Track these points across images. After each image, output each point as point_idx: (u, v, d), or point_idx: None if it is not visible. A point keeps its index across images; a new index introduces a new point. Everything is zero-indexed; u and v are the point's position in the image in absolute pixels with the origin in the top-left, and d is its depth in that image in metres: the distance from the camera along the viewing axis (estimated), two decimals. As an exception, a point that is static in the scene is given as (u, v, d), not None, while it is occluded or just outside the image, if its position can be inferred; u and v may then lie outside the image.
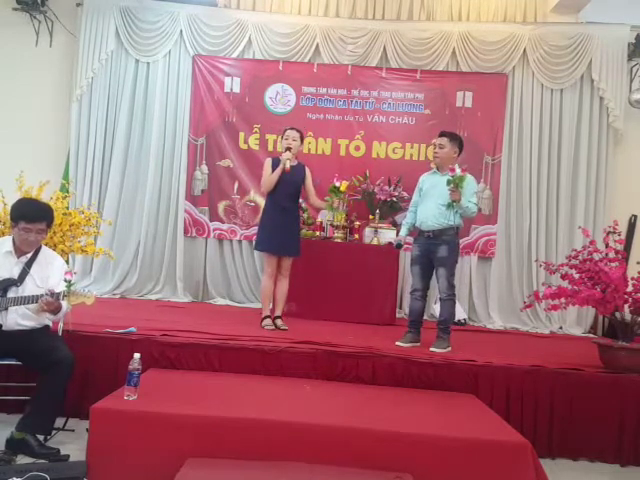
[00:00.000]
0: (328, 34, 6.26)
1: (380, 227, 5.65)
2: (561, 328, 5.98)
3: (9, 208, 3.42)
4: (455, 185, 3.99)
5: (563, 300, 3.86)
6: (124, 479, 2.75)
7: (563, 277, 3.99)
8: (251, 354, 3.77)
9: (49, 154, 6.21)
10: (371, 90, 6.28)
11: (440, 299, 4.24)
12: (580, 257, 3.94)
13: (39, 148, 6.21)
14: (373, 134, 6.27)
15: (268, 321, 4.55)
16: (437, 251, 4.17)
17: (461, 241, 4.94)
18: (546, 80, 6.17)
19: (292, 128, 4.65)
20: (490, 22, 6.28)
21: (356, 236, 5.70)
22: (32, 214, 3.21)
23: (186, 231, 6.29)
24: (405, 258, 5.84)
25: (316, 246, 5.45)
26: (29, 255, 3.25)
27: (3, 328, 3.12)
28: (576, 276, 3.89)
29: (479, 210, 5.13)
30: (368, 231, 5.67)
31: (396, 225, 5.72)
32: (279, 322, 4.56)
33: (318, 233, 5.70)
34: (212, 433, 2.80)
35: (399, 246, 4.60)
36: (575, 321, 6.06)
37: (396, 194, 5.87)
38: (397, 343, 4.25)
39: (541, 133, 6.18)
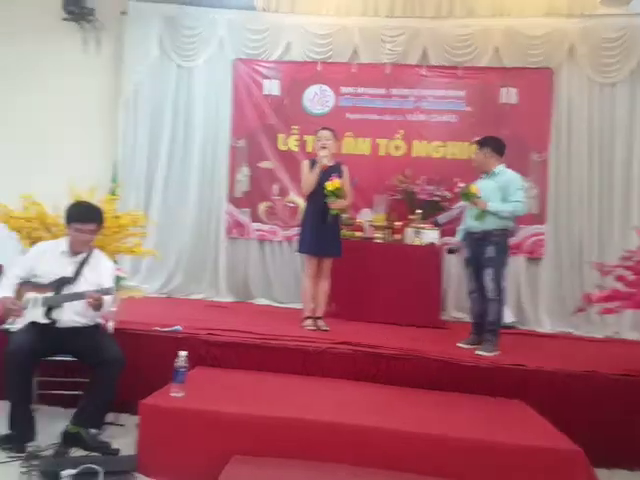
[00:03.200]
0: (366, 34, 6.25)
1: (422, 227, 5.60)
2: (617, 332, 5.67)
3: (62, 212, 3.56)
4: (467, 198, 4.05)
5: (617, 303, 3.74)
6: (172, 473, 2.83)
7: (617, 279, 3.84)
8: (293, 354, 3.81)
9: (98, 159, 6.38)
10: (411, 88, 6.23)
11: (487, 299, 4.18)
12: (635, 258, 3.81)
13: (88, 153, 6.39)
14: (413, 133, 6.22)
15: (309, 321, 4.59)
16: (484, 252, 4.14)
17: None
18: (595, 74, 5.98)
19: (324, 128, 4.68)
20: (534, 16, 6.13)
21: (397, 236, 5.67)
22: (83, 216, 3.38)
23: (228, 232, 6.39)
24: (450, 259, 5.78)
25: (356, 246, 5.43)
26: (82, 256, 3.39)
27: (58, 325, 3.25)
28: (631, 278, 3.74)
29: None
30: (409, 231, 5.62)
31: (438, 225, 5.68)
32: (320, 323, 4.59)
33: (358, 233, 5.70)
34: (256, 431, 2.85)
35: (452, 251, 4.57)
36: (632, 325, 5.72)
37: (438, 194, 5.80)
38: (458, 344, 4.23)
39: (591, 128, 5.99)
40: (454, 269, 5.95)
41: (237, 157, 6.40)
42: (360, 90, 6.29)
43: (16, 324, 3.23)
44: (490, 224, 4.12)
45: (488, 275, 4.12)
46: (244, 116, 6.38)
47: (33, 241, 4.06)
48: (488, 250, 4.13)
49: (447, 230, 5.53)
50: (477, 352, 4.02)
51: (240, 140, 6.40)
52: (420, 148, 6.21)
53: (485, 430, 2.96)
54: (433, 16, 6.25)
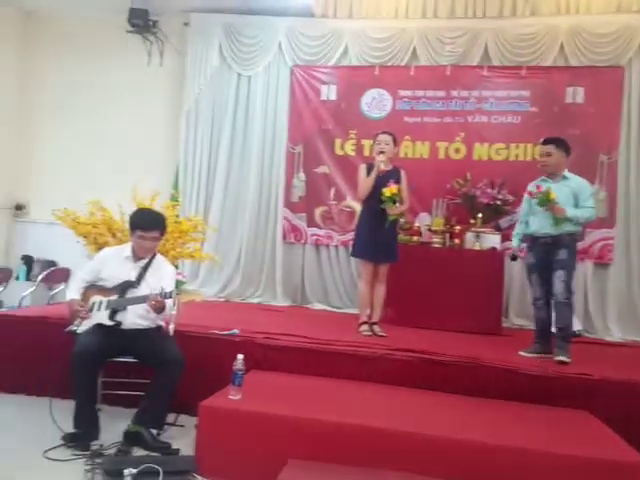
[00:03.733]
0: (426, 36, 6.19)
1: (482, 232, 5.46)
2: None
3: (127, 217, 3.68)
4: (544, 204, 3.92)
5: None
6: (230, 474, 2.85)
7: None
8: (349, 359, 3.79)
9: (160, 166, 6.60)
10: (471, 90, 6.11)
11: (556, 303, 4.02)
12: None
13: (151, 161, 6.61)
14: (474, 135, 6.09)
15: (365, 327, 4.55)
16: (557, 254, 4.00)
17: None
18: (670, 71, 5.69)
19: (384, 132, 4.64)
20: (602, 13, 5.89)
21: (456, 241, 5.54)
22: (146, 223, 3.47)
23: (284, 237, 6.45)
24: (512, 264, 5.60)
25: (413, 251, 5.35)
26: (145, 261, 3.50)
27: (122, 327, 3.36)
28: None
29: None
30: (469, 236, 5.49)
31: (499, 229, 5.53)
32: (377, 328, 4.55)
33: (415, 238, 5.62)
34: (312, 436, 2.85)
35: (515, 258, 4.44)
36: None
37: (500, 197, 5.63)
38: (520, 353, 4.11)
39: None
40: (516, 274, 5.78)
41: (294, 162, 6.46)
42: (419, 93, 6.21)
43: (82, 326, 3.35)
44: (562, 229, 4.00)
45: (559, 277, 3.97)
46: (301, 122, 6.43)
47: (99, 246, 4.22)
48: (560, 253, 3.99)
49: (509, 234, 5.37)
50: (557, 358, 3.87)
51: (297, 146, 6.44)
52: (481, 150, 6.07)
53: (549, 441, 2.85)
54: (495, 16, 6.12)
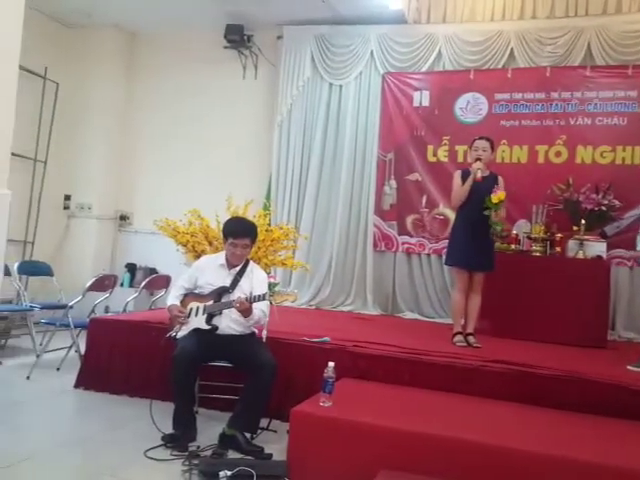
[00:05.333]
0: (524, 37, 6.00)
1: (586, 239, 5.15)
2: None
3: (222, 226, 3.81)
4: None
5: None
6: (321, 481, 2.85)
7: None
8: (442, 370, 3.68)
9: (254, 176, 6.79)
10: (573, 91, 5.83)
11: None
12: None
13: (245, 171, 6.83)
14: (577, 138, 5.79)
15: (460, 337, 4.41)
16: None
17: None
18: None
19: (482, 138, 4.48)
20: None
21: (557, 249, 5.26)
22: (238, 231, 3.57)
23: (375, 245, 6.41)
24: (618, 272, 5.27)
25: (511, 260, 5.14)
26: (238, 268, 3.59)
27: (218, 332, 3.46)
28: None
29: None
30: (572, 243, 5.20)
31: (605, 237, 5.19)
32: (471, 339, 4.39)
33: (513, 246, 5.39)
34: (403, 446, 2.78)
35: None
36: None
37: (605, 202, 5.29)
38: (628, 367, 3.85)
39: None
40: (623, 284, 5.41)
41: (385, 170, 6.41)
42: (516, 96, 6.01)
43: (181, 331, 3.49)
44: None
45: None
46: (392, 129, 6.39)
47: (197, 254, 4.39)
48: None
49: (616, 242, 5.04)
50: None
51: (388, 153, 6.41)
52: (584, 154, 5.76)
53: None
54: (599, 13, 5.82)
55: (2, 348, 5.22)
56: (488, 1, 6.19)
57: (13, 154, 2.98)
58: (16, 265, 5.49)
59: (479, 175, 4.27)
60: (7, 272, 4.14)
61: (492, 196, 4.19)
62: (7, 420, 3.39)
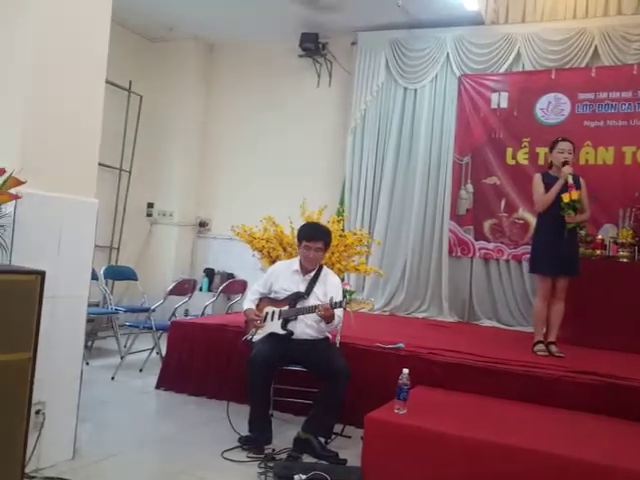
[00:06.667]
0: (608, 34, 5.73)
1: (681, 244, 4.85)
2: None
3: (296, 232, 3.86)
4: None
5: None
6: (396, 490, 2.82)
7: None
8: (522, 380, 3.56)
9: (327, 182, 6.83)
10: (663, 89, 5.51)
11: None
12: None
13: (319, 177, 6.88)
14: (668, 138, 5.47)
15: (541, 346, 4.24)
16: None
17: None
18: None
19: (565, 139, 4.28)
20: None
21: (646, 255, 4.99)
22: (311, 234, 3.61)
23: (451, 251, 6.28)
24: None
25: (596, 266, 4.91)
26: (312, 274, 3.61)
27: (293, 336, 3.50)
28: None
29: None
30: (661, 249, 4.92)
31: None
32: (553, 348, 4.21)
33: (599, 252, 5.14)
34: (483, 457, 2.70)
35: None
36: None
37: (703, 205, 4.98)
38: None
39: None
40: None
41: (461, 174, 6.29)
42: (601, 95, 5.74)
43: (257, 335, 3.55)
44: None
45: None
46: (469, 132, 6.26)
47: (272, 260, 4.47)
48: None
49: None
50: None
51: (464, 157, 6.28)
52: (677, 154, 5.42)
53: None
54: (691, 5, 5.47)
55: (89, 349, 5.45)
56: (570, -1, 5.97)
57: (100, 164, 3.14)
58: (102, 270, 5.77)
59: (571, 180, 4.07)
60: (94, 276, 4.34)
61: (562, 195, 4.02)
62: (93, 418, 3.55)
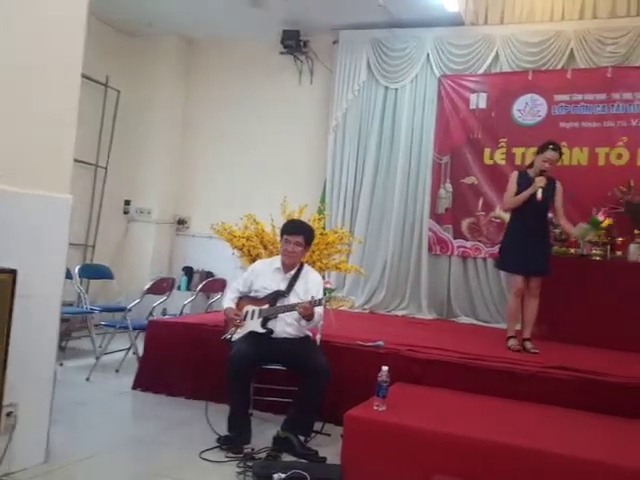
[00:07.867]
0: (584, 37, 5.84)
1: (649, 243, 4.96)
2: None
3: (277, 230, 3.87)
4: None
5: None
6: (375, 486, 2.83)
7: None
8: (498, 376, 3.61)
9: (308, 181, 6.83)
10: (636, 92, 5.62)
11: None
12: None
13: (300, 176, 6.87)
14: (638, 139, 5.57)
15: (514, 342, 4.31)
16: None
17: None
18: None
19: (555, 148, 4.24)
20: None
21: (618, 253, 5.09)
22: (291, 229, 3.66)
23: (430, 249, 6.33)
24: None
25: (570, 264, 5.01)
26: (293, 272, 3.62)
27: (272, 335, 3.49)
28: None
29: None
30: (633, 248, 5.02)
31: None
32: (528, 345, 4.28)
33: (573, 250, 5.24)
34: (460, 452, 2.73)
35: None
36: None
37: (669, 206, 5.10)
38: None
39: None
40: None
41: (440, 174, 6.34)
42: (576, 97, 5.83)
43: (236, 334, 3.53)
44: None
45: None
46: (448, 132, 6.31)
47: (252, 258, 4.46)
48: None
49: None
50: None
51: (444, 156, 6.33)
52: (647, 156, 5.53)
53: None
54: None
55: (63, 350, 5.31)
56: (547, 2, 6.05)
57: (75, 160, 3.06)
58: (77, 268, 5.67)
59: (540, 194, 4.13)
60: (68, 275, 4.26)
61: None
62: (67, 420, 3.46)
